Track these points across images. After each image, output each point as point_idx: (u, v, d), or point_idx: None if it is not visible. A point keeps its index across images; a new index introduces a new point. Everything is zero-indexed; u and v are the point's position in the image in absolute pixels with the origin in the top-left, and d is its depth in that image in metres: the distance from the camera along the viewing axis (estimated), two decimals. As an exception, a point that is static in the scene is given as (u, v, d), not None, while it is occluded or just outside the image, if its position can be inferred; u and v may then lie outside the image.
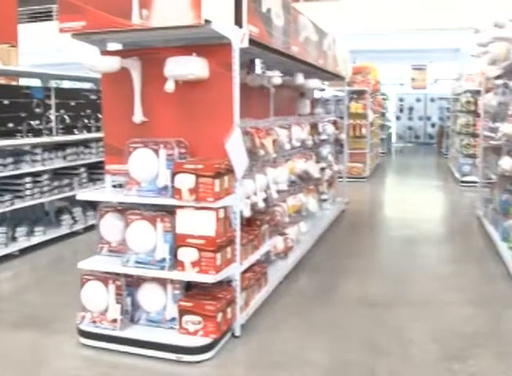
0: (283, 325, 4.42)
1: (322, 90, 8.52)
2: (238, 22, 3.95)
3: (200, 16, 3.56)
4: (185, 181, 3.74)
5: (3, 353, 4.07)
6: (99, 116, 8.02)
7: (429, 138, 23.37)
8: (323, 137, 7.36)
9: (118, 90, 4.25)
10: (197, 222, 3.78)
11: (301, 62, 5.72)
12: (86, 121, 7.90)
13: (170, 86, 3.89)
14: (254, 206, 4.51)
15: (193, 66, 3.90)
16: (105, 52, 4.23)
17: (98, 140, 8.02)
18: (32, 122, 6.85)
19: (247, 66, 4.96)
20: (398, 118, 23.97)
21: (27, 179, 6.77)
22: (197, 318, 3.88)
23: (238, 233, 4.10)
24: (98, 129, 8.06)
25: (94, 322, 4.11)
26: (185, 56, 3.91)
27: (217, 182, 3.77)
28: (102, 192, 4.38)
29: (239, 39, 3.91)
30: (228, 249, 3.98)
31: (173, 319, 3.99)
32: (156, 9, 3.63)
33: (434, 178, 13.59)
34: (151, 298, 4.07)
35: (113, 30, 3.74)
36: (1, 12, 14.79)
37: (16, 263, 6.40)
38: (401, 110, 23.93)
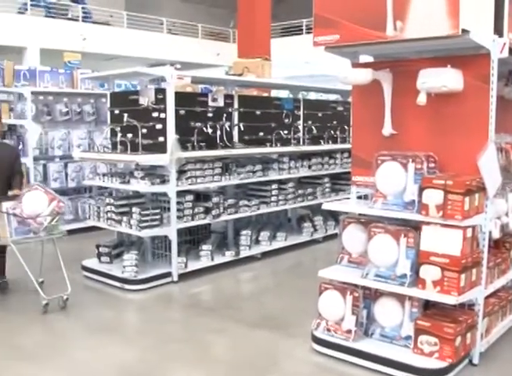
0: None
1: None
2: (498, 30, 3.77)
3: (458, 25, 3.47)
4: (433, 197, 3.67)
5: (238, 350, 4.43)
6: (345, 127, 8.25)
7: None
8: None
9: (368, 102, 4.34)
10: (442, 240, 3.69)
11: None
12: (332, 132, 8.20)
13: (422, 99, 3.85)
14: (504, 227, 4.24)
15: (447, 78, 3.81)
16: (356, 65, 4.35)
17: (343, 151, 8.25)
18: (281, 132, 7.31)
19: (505, 77, 4.68)
20: None
21: (274, 186, 7.25)
22: (434, 339, 3.79)
23: (485, 255, 3.90)
24: (343, 140, 8.29)
25: (328, 330, 4.24)
26: (439, 68, 3.85)
27: (467, 199, 3.64)
28: (346, 203, 4.51)
29: (498, 49, 3.73)
30: (474, 271, 3.81)
31: (408, 337, 3.95)
32: (411, 20, 3.62)
33: None
34: (388, 313, 4.08)
35: (367, 42, 3.84)
36: (257, 27, 16.16)
37: (258, 265, 6.89)
38: None
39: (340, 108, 8.56)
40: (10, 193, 5.48)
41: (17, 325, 4.87)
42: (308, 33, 18.87)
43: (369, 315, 4.19)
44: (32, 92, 8.17)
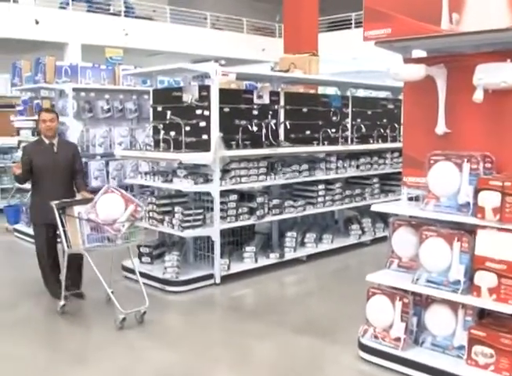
0: None
1: None
2: None
3: (519, 17, 3.41)
4: (490, 199, 3.61)
5: (282, 356, 4.46)
6: (396, 126, 8.18)
7: None
8: None
9: (420, 99, 4.29)
10: (500, 245, 3.63)
11: None
12: (382, 130, 8.14)
13: (479, 96, 3.78)
14: None
15: (507, 74, 3.74)
16: (408, 60, 4.31)
17: (393, 151, 8.19)
18: (328, 130, 7.30)
19: None
20: None
21: (320, 186, 7.26)
22: (490, 350, 3.72)
23: (546, 262, 3.81)
24: (393, 139, 8.23)
25: (376, 337, 4.23)
26: (498, 63, 3.78)
27: (525, 202, 3.57)
28: (397, 204, 4.47)
29: None
30: (534, 279, 3.73)
31: (461, 347, 3.90)
32: (468, 12, 3.58)
33: None
34: (439, 321, 4.03)
35: (421, 36, 3.80)
36: (304, 22, 16.15)
37: (303, 268, 6.90)
38: None
39: (390, 106, 8.50)
40: (79, 196, 5.51)
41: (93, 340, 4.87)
42: (358, 27, 18.74)
43: (420, 322, 4.15)
44: (73, 89, 8.34)
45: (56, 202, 5.11)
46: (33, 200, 5.77)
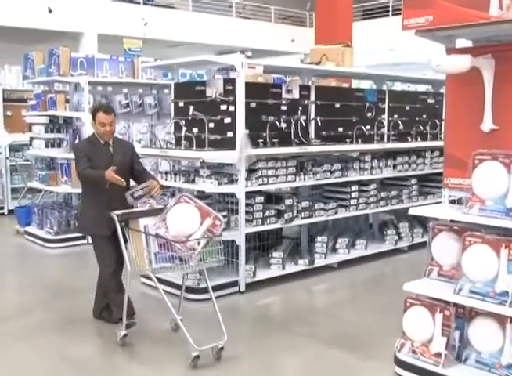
0: None
1: None
2: None
3: None
4: (541, 202, 3.57)
5: (311, 371, 4.46)
6: (437, 122, 8.12)
7: None
8: None
9: (465, 93, 4.25)
10: (552, 254, 3.58)
11: None
12: (421, 127, 8.09)
13: (530, 89, 3.75)
14: None
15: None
16: (452, 50, 4.27)
17: (433, 150, 8.14)
18: (363, 127, 7.27)
19: None
20: None
21: (354, 188, 7.24)
22: (541, 370, 3.67)
23: None
24: (434, 137, 8.18)
25: (414, 352, 4.19)
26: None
27: None
28: (437, 208, 4.44)
29: None
30: None
31: (510, 366, 3.84)
32: (520, -2, 3.53)
33: None
34: (485, 336, 3.98)
35: (466, 24, 3.76)
36: (337, 10, 16.08)
37: (334, 276, 6.89)
38: None
39: (430, 100, 8.45)
40: (147, 183, 5.01)
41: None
42: (396, 14, 18.62)
43: (463, 337, 4.11)
44: (89, 82, 8.44)
45: (118, 213, 4.67)
46: (86, 209, 5.23)
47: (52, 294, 6.15)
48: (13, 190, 11.16)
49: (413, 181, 8.09)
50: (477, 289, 3.86)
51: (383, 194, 7.63)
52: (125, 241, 4.73)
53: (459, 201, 4.30)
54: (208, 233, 4.58)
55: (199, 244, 4.51)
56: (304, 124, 6.70)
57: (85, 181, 5.14)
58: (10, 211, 10.52)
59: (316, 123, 6.92)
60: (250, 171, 6.19)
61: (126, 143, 5.66)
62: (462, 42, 4.32)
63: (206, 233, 4.57)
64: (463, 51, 4.17)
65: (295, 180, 6.61)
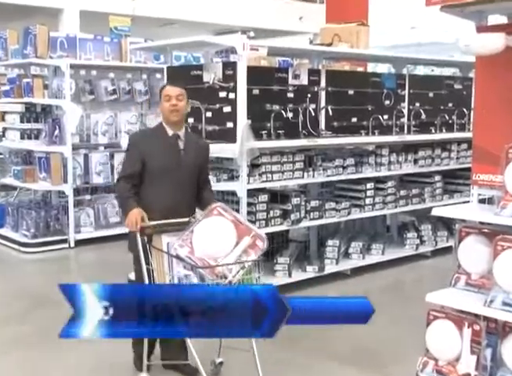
0: None
1: None
2: None
3: None
4: None
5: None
6: (465, 111, 8.09)
7: None
8: None
9: (497, 77, 4.21)
10: None
11: None
12: (447, 116, 8.07)
13: None
14: None
15: None
16: (483, 28, 4.24)
17: (460, 142, 8.11)
18: (380, 117, 7.24)
19: None
20: None
21: (369, 185, 7.23)
22: None
23: None
24: (461, 128, 8.15)
25: (439, 372, 4.16)
26: None
27: None
28: (465, 208, 4.41)
29: None
30: None
31: (549, 388, 3.83)
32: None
33: None
34: (520, 354, 3.96)
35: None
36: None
37: (347, 284, 6.90)
38: None
39: (458, 86, 8.41)
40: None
41: None
42: (417, -11, 18.59)
43: (495, 356, 4.07)
44: (71, 66, 8.42)
45: (147, 224, 4.14)
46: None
47: (29, 305, 6.12)
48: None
49: (437, 177, 8.09)
50: (511, 301, 3.84)
51: (402, 193, 7.62)
52: (147, 263, 4.15)
53: (490, 201, 4.27)
54: (245, 257, 4.03)
55: (231, 271, 3.93)
56: (313, 114, 6.68)
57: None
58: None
59: (327, 112, 6.90)
60: (253, 166, 6.19)
61: (202, 141, 5.03)
62: (495, 18, 4.30)
63: (242, 256, 4.01)
64: (495, 28, 4.13)
65: (303, 177, 6.62)
